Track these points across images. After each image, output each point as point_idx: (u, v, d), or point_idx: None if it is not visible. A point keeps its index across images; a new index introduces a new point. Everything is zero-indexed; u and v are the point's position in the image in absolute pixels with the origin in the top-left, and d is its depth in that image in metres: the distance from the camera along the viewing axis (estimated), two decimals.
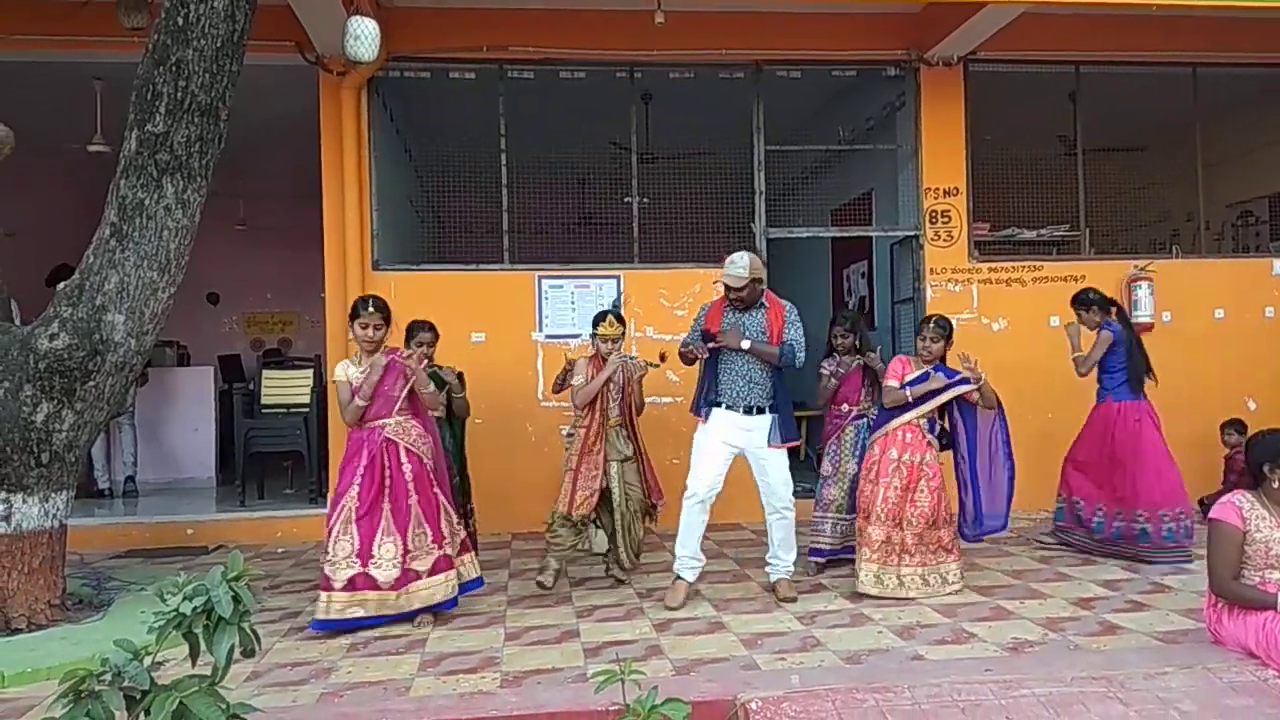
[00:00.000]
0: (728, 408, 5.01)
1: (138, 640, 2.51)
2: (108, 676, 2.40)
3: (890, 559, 5.00)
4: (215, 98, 4.69)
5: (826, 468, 5.76)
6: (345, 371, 4.72)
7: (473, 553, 5.05)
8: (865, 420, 5.69)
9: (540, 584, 5.19)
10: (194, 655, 2.52)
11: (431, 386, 4.86)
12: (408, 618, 4.62)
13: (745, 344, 4.90)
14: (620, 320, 5.41)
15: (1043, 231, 7.97)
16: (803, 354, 5.03)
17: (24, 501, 4.67)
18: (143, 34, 5.19)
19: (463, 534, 4.96)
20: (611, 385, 5.33)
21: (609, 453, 5.29)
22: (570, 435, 5.50)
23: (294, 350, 12.34)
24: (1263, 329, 7.85)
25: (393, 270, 7.19)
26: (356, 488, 4.58)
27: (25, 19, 6.59)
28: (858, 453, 5.63)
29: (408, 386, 4.72)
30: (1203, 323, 7.78)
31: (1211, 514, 3.96)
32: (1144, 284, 7.58)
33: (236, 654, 2.51)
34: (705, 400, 5.10)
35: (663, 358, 5.50)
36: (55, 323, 4.61)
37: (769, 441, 5.00)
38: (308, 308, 12.34)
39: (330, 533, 4.56)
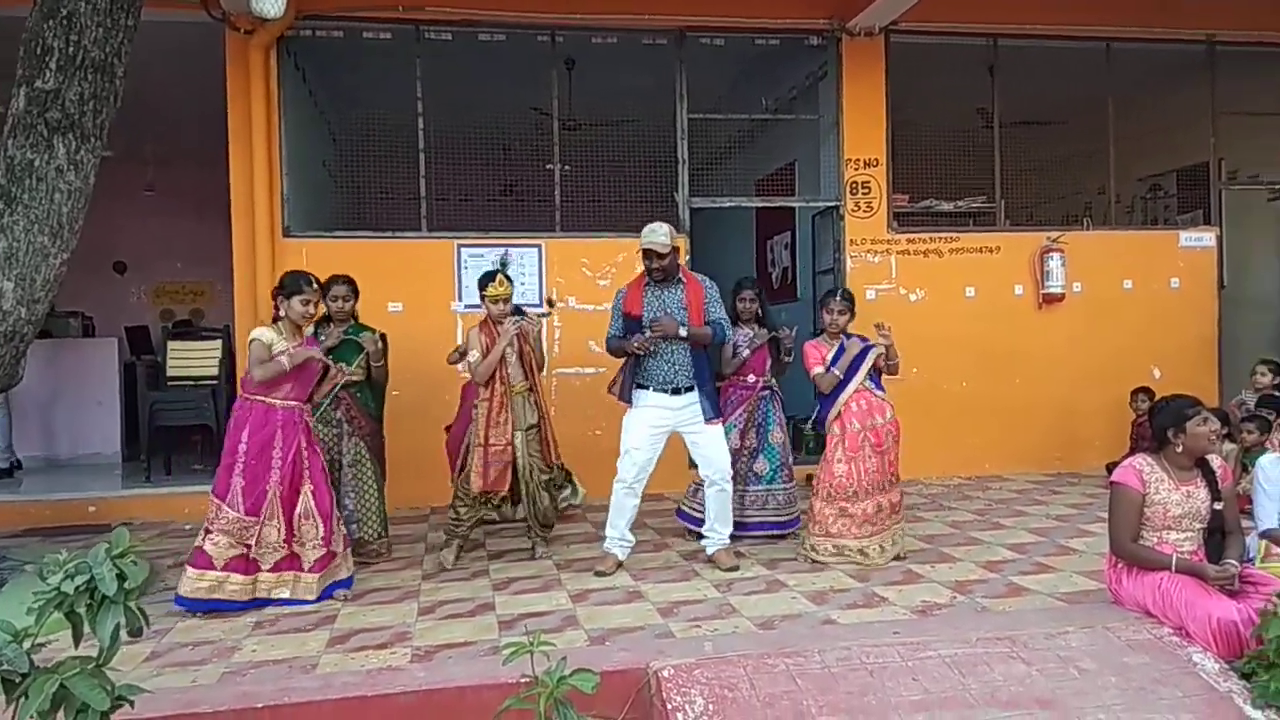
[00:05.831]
0: (655, 390, 4.95)
1: (23, 623, 2.39)
2: None
3: (881, 527, 5.06)
4: (110, 53, 4.45)
5: (734, 440, 5.59)
6: (269, 336, 4.52)
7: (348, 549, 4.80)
8: (770, 392, 5.69)
9: (442, 563, 5.15)
10: (77, 636, 2.41)
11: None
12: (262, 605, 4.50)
13: (683, 331, 4.82)
14: (509, 279, 5.26)
15: (960, 203, 8.08)
16: (730, 330, 5.05)
17: None
18: None
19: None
20: (510, 350, 5.18)
21: (515, 422, 5.17)
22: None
23: (207, 322, 11.94)
24: (1169, 299, 8.11)
25: (305, 237, 6.96)
26: (275, 472, 4.46)
27: None
28: (756, 424, 5.62)
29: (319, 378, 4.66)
30: (1112, 293, 8.00)
31: (1113, 477, 4.07)
32: (1056, 255, 7.76)
33: (126, 634, 2.41)
34: (634, 384, 4.99)
35: (550, 304, 5.35)
36: None
37: (705, 418, 4.96)
38: (221, 278, 11.92)
39: (218, 506, 4.44)
